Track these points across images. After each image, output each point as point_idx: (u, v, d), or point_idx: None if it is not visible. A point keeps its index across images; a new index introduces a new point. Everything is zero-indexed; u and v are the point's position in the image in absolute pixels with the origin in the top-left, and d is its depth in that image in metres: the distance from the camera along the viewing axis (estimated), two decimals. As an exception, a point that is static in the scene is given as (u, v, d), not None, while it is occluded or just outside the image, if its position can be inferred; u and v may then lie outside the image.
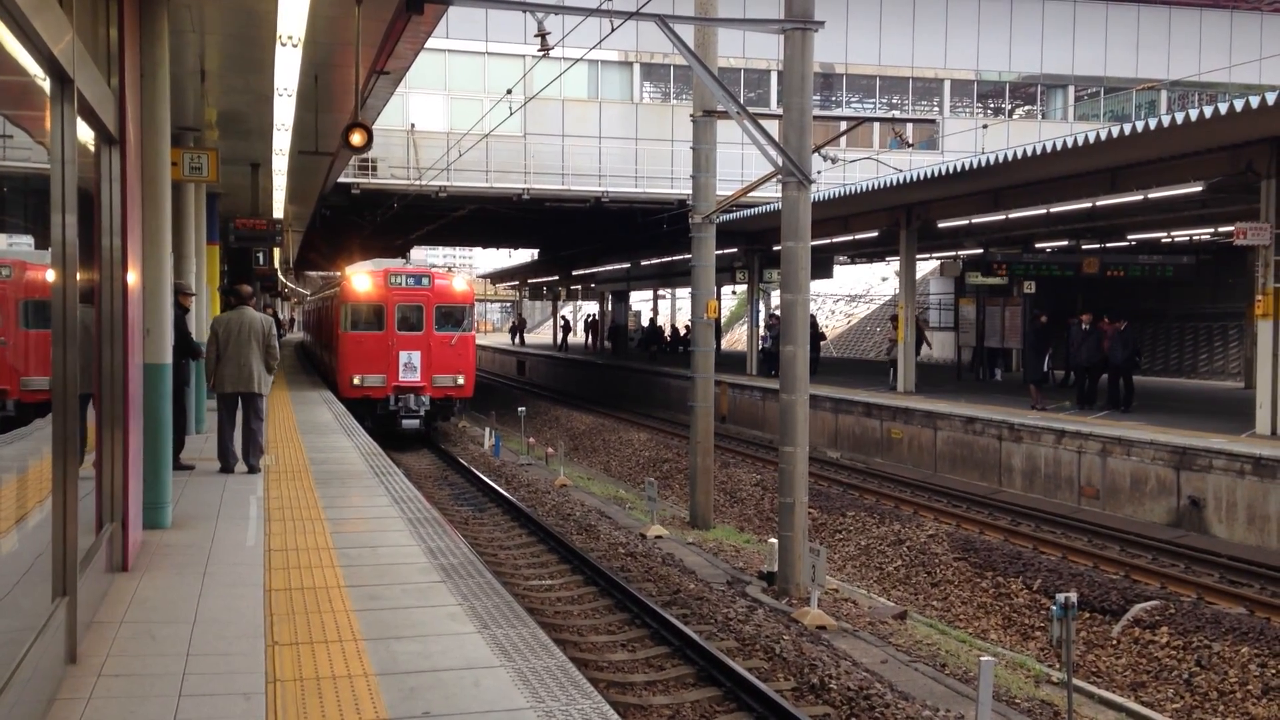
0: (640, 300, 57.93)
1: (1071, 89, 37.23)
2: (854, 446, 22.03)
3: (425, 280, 22.92)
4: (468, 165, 28.99)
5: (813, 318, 23.49)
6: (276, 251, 28.26)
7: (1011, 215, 20.95)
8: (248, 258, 25.71)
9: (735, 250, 29.67)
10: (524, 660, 5.68)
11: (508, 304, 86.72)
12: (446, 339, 22.62)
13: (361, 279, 22.80)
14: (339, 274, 31.91)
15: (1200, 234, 24.48)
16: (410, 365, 22.20)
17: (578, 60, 25.67)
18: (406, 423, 22.10)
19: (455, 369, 22.69)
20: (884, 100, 36.38)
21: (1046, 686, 9.54)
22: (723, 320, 51.17)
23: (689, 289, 17.43)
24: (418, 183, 29.54)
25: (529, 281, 62.37)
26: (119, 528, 7.05)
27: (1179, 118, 14.05)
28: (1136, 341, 19.36)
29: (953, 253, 29.20)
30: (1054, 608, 8.36)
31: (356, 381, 22.08)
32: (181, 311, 11.59)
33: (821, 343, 34.30)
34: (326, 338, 27.56)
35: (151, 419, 8.40)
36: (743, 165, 29.30)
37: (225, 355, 11.44)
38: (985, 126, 33.06)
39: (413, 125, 31.00)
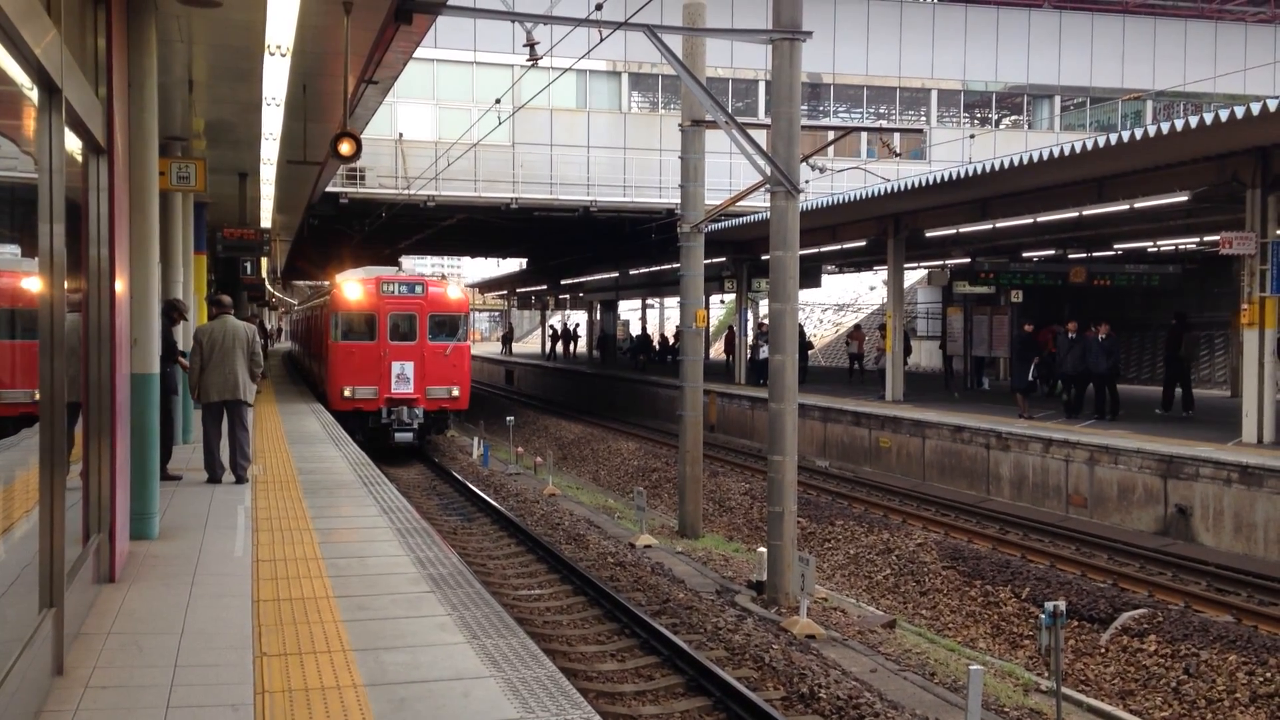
0: (629, 309, 57.99)
1: (1058, 99, 37.44)
2: (843, 455, 22.06)
3: (419, 288, 22.17)
4: (456, 175, 28.98)
5: (800, 327, 23.51)
6: (264, 261, 28.23)
7: (999, 224, 21.04)
8: (235, 267, 25.69)
9: (724, 259, 29.72)
10: (514, 670, 5.66)
11: (496, 313, 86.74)
12: (441, 349, 21.86)
13: (353, 287, 21.98)
14: (328, 283, 31.32)
15: (1186, 243, 24.61)
16: (403, 376, 21.46)
17: (566, 70, 25.74)
18: (400, 436, 21.37)
19: (450, 380, 21.95)
20: (871, 110, 36.52)
21: (1035, 695, 9.55)
22: (711, 329, 51.22)
23: (677, 298, 17.42)
24: (406, 192, 29.52)
25: (517, 291, 62.40)
26: (106, 538, 7.01)
27: (1165, 128, 14.13)
28: (1118, 350, 19.40)
29: (940, 262, 29.30)
30: (1042, 616, 8.38)
31: (347, 393, 21.29)
32: (169, 323, 11.58)
33: (810, 351, 34.42)
34: (316, 348, 26.57)
35: (138, 429, 8.37)
36: (731, 175, 29.38)
37: (210, 364, 11.41)
38: (972, 136, 33.18)
39: (401, 135, 30.99)
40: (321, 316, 24.94)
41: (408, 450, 22.27)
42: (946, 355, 31.76)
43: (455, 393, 22.03)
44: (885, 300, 28.36)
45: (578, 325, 57.06)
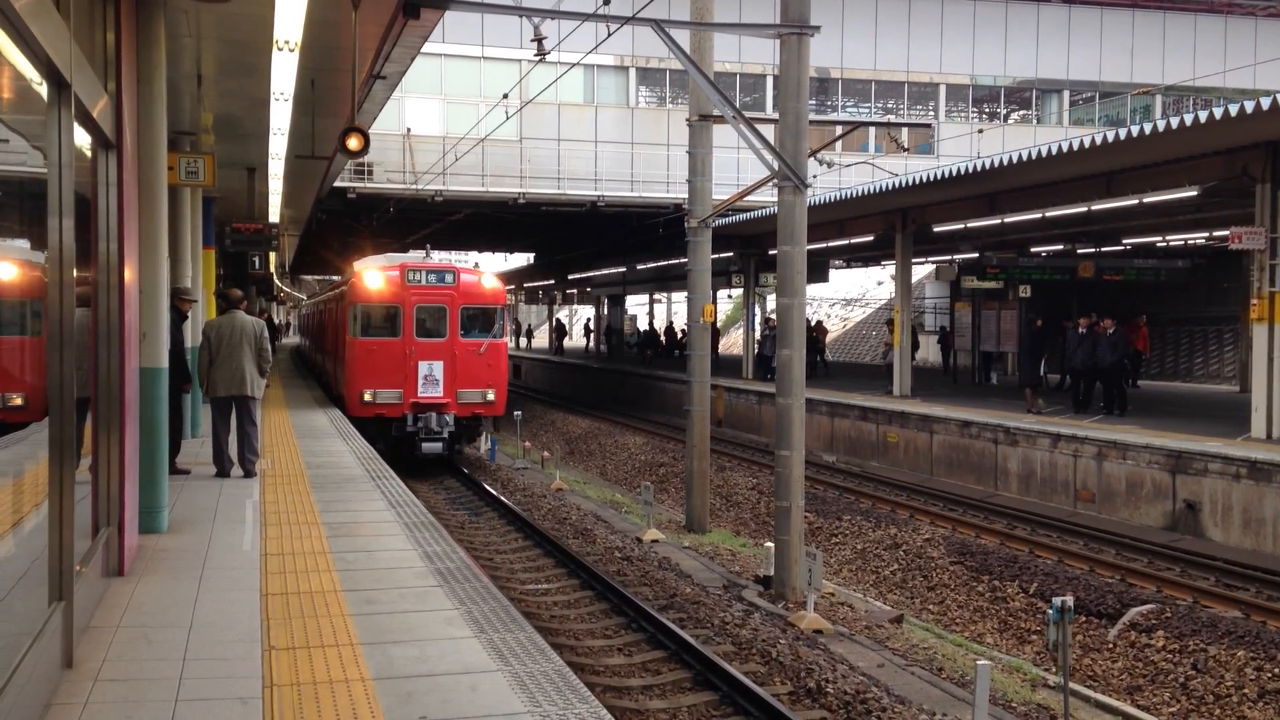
0: (636, 304, 58.04)
1: (1066, 93, 37.32)
2: (850, 450, 22.04)
3: (449, 277, 19.43)
4: (463, 169, 29.00)
5: (807, 322, 23.45)
6: (273, 256, 28.29)
7: (1007, 219, 20.98)
8: (244, 262, 25.71)
9: (731, 254, 29.69)
10: (521, 664, 5.67)
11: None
12: (474, 347, 19.25)
13: (373, 275, 19.25)
14: (341, 276, 29.45)
15: (1195, 238, 24.54)
16: (431, 378, 18.92)
17: (574, 65, 25.70)
18: (427, 446, 18.81)
19: (484, 382, 19.32)
20: (879, 105, 36.44)
21: (1043, 690, 9.55)
22: (719, 324, 51.21)
23: (685, 293, 17.40)
24: (414, 187, 29.55)
25: (525, 285, 62.41)
26: (115, 532, 7.03)
27: (1174, 122, 14.09)
28: (1126, 345, 19.36)
29: (948, 256, 29.24)
30: (1050, 611, 8.36)
31: (368, 397, 18.70)
32: (179, 318, 11.52)
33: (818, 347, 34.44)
34: (331, 344, 23.63)
35: (147, 423, 8.39)
36: (738, 169, 29.35)
37: (218, 359, 11.42)
38: (981, 131, 33.11)
39: (409, 129, 31.00)
40: (338, 309, 22.21)
41: (439, 464, 19.97)
42: (945, 349, 31.76)
43: (490, 396, 19.41)
44: (893, 295, 28.33)
45: (587, 321, 56.98)
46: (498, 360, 19.64)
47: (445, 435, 18.96)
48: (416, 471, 19.55)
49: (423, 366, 18.91)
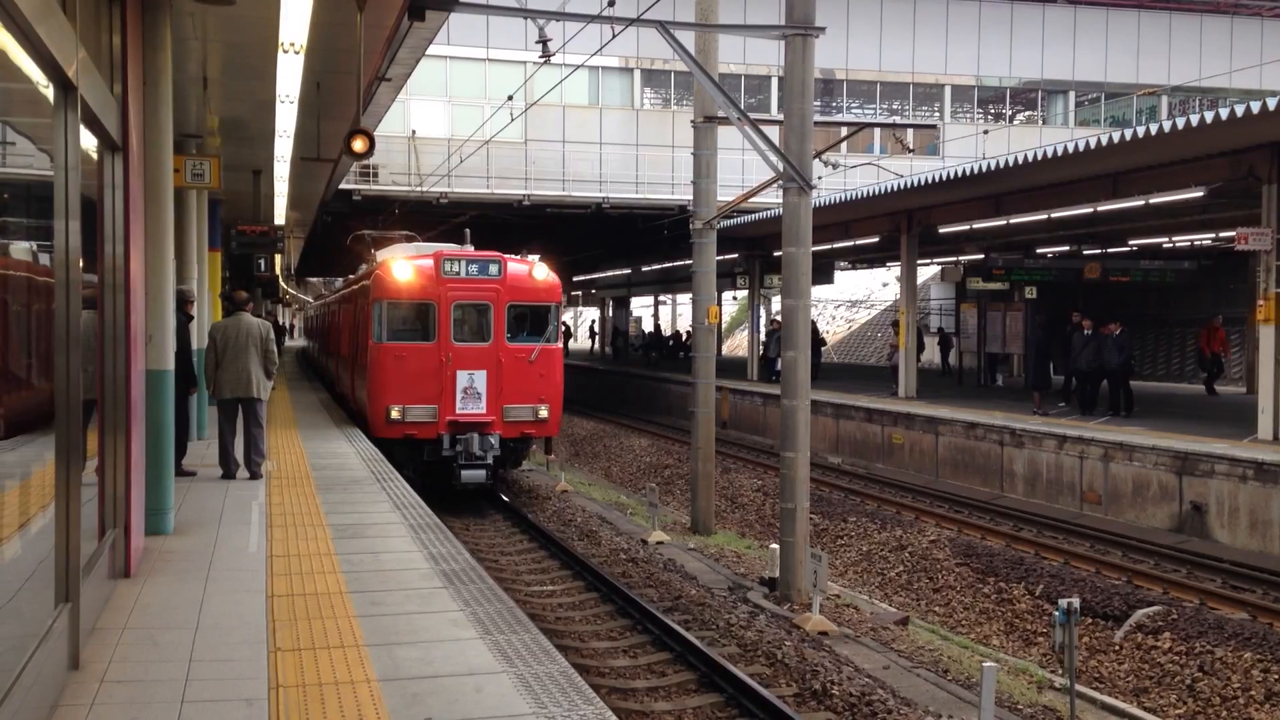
0: (641, 306, 58.07)
1: (1072, 94, 37.28)
2: (855, 452, 22.02)
3: (494, 268, 16.09)
4: (468, 171, 29.03)
5: (813, 323, 23.44)
6: (278, 258, 28.30)
7: (1013, 220, 20.96)
8: (249, 264, 25.75)
9: (736, 256, 29.71)
10: (526, 666, 5.67)
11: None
12: (524, 353, 16.01)
13: (402, 267, 15.98)
14: (352, 274, 25.77)
15: (1201, 239, 24.51)
16: (473, 391, 15.74)
17: (579, 66, 25.75)
18: (467, 475, 15.46)
19: (536, 395, 16.07)
20: (885, 106, 36.43)
21: (1049, 692, 9.53)
22: (723, 326, 51.24)
23: (690, 294, 17.33)
24: (419, 189, 29.57)
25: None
26: (121, 534, 7.04)
27: (1180, 123, 14.07)
28: (1131, 346, 19.34)
29: (954, 258, 29.23)
30: (1056, 613, 8.36)
31: (395, 414, 15.54)
32: (185, 319, 11.54)
33: (822, 348, 34.41)
34: (349, 351, 19.88)
35: (153, 425, 8.40)
36: (743, 171, 29.35)
37: (224, 361, 11.44)
38: (986, 132, 33.07)
39: (414, 131, 31.03)
40: (357, 308, 18.55)
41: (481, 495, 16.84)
42: (944, 350, 31.73)
43: (543, 413, 16.13)
44: (898, 297, 28.32)
45: (592, 322, 56.99)
46: (551, 369, 16.31)
47: (489, 461, 15.65)
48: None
49: (462, 377, 15.78)
